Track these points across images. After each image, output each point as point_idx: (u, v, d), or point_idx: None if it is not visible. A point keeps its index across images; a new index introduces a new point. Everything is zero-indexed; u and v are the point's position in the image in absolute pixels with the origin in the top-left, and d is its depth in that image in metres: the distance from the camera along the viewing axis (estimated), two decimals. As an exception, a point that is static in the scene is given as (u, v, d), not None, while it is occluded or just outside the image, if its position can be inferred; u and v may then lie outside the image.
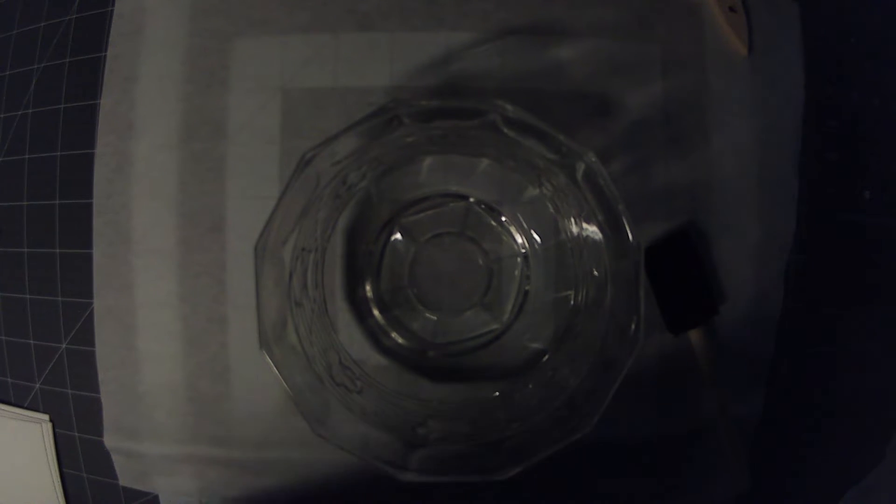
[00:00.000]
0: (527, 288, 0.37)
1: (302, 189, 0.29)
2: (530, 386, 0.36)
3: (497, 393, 0.36)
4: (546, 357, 0.37)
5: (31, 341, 0.41)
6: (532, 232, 0.37)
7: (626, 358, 0.28)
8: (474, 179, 0.37)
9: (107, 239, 0.39)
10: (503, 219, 0.37)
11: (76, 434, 0.40)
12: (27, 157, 0.41)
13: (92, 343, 0.39)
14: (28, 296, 0.41)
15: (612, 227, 0.30)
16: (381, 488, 0.36)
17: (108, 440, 0.39)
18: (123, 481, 0.39)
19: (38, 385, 0.40)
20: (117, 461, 0.39)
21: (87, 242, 0.39)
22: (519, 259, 0.37)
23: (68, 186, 0.40)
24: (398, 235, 0.37)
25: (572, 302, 0.36)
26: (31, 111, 0.42)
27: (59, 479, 0.40)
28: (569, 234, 0.36)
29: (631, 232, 0.29)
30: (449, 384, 0.37)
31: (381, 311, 0.38)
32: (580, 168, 0.30)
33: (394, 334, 0.38)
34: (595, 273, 0.33)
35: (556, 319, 0.37)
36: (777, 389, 0.38)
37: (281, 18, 0.39)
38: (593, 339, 0.32)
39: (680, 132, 0.38)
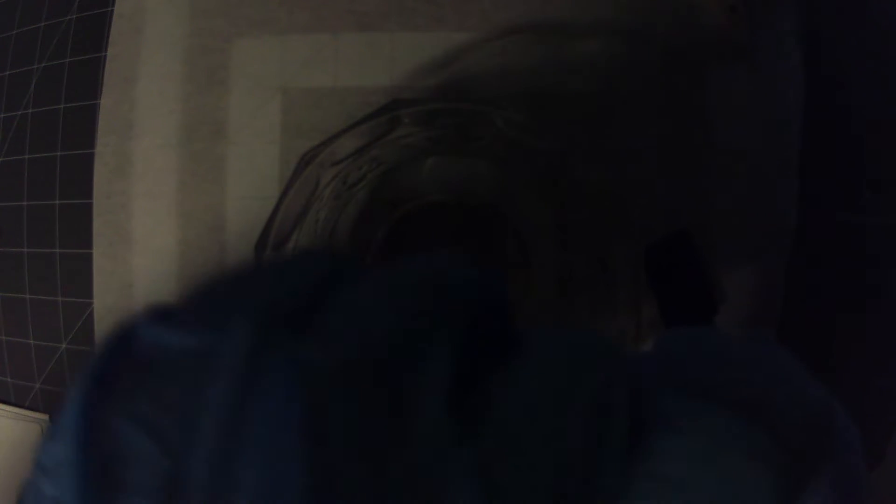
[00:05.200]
0: (527, 288, 0.37)
1: (302, 189, 0.29)
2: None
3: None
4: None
5: (31, 341, 0.41)
6: (534, 232, 0.37)
7: (626, 358, 0.28)
8: (475, 180, 0.37)
9: (107, 239, 0.39)
10: (504, 216, 0.37)
11: (76, 434, 0.40)
12: (27, 157, 0.41)
13: (92, 343, 0.39)
14: (28, 296, 0.41)
15: (611, 226, 0.30)
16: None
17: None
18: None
19: (38, 385, 0.40)
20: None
21: (87, 242, 0.39)
22: (521, 259, 0.37)
23: (68, 186, 0.40)
24: (399, 236, 0.37)
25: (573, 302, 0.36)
26: (31, 111, 0.42)
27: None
28: (570, 233, 0.36)
29: (631, 231, 0.29)
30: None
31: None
32: (580, 168, 0.30)
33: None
34: (596, 273, 0.33)
35: (558, 320, 0.37)
36: (777, 389, 0.38)
37: (281, 18, 0.39)
38: (593, 339, 0.32)
39: (680, 132, 0.38)
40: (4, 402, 0.41)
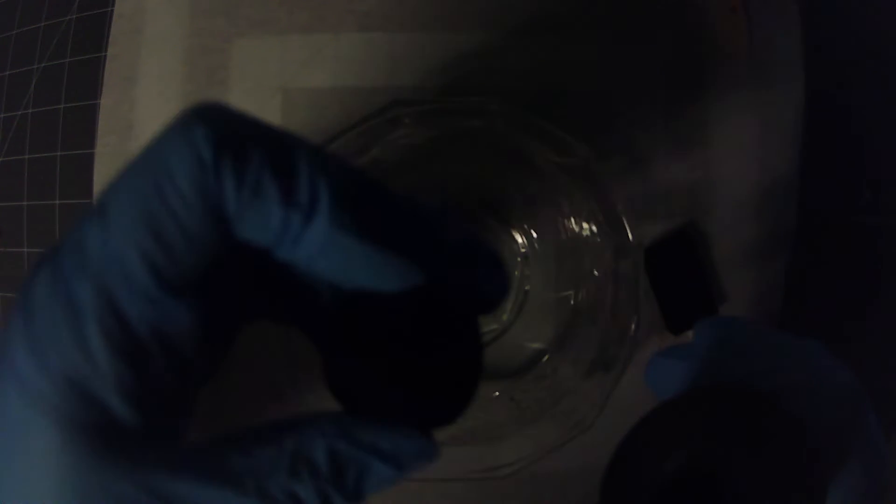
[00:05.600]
0: (527, 288, 0.37)
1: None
2: (530, 386, 0.36)
3: (497, 393, 0.36)
4: (546, 357, 0.37)
5: (31, 341, 0.40)
6: (532, 232, 0.37)
7: (626, 358, 0.28)
8: (475, 180, 0.37)
9: (107, 239, 0.39)
10: (503, 218, 0.37)
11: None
12: (27, 157, 0.41)
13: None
14: (28, 296, 0.41)
15: (611, 226, 0.30)
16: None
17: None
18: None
19: (38, 385, 0.40)
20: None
21: (87, 242, 0.39)
22: (519, 259, 0.37)
23: (68, 186, 0.40)
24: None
25: (572, 302, 0.36)
26: (31, 111, 0.42)
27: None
28: (569, 234, 0.36)
29: (631, 232, 0.29)
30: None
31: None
32: (580, 168, 0.30)
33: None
34: (595, 273, 0.33)
35: (557, 319, 0.37)
36: (777, 389, 0.38)
37: (281, 18, 0.39)
38: (593, 339, 0.32)
39: (680, 132, 0.38)
40: (4, 402, 0.41)
